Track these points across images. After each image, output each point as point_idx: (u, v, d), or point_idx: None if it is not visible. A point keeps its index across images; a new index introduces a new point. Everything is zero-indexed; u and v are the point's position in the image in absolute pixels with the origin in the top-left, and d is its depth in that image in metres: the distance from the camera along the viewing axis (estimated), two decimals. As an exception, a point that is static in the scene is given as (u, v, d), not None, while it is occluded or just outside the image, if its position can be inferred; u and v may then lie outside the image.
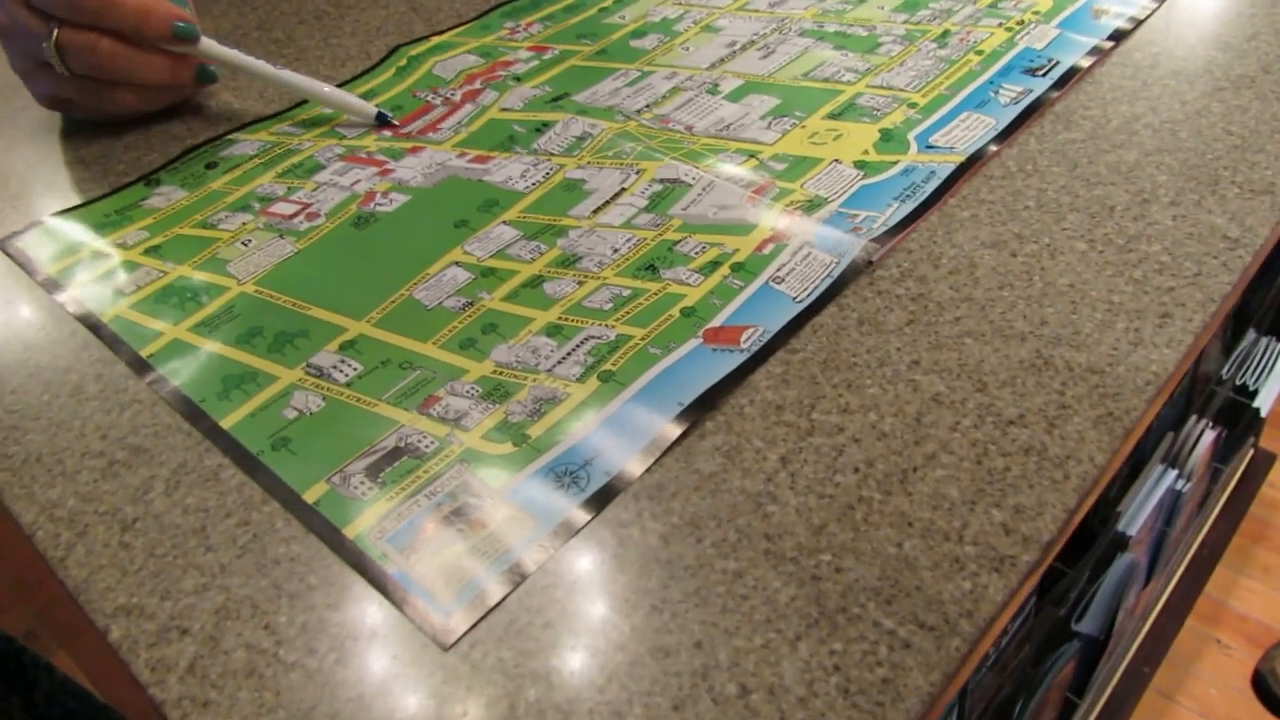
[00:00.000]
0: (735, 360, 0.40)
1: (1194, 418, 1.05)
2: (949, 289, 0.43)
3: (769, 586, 0.32)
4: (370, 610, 0.33)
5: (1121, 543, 0.91)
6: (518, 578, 0.33)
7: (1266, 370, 1.12)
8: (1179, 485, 1.00)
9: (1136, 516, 0.92)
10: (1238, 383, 1.12)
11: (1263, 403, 1.11)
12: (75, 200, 0.54)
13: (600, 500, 0.35)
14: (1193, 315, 0.40)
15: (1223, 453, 1.18)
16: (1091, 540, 0.87)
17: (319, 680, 0.31)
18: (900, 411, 0.38)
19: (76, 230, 0.51)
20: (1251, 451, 1.40)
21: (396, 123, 0.57)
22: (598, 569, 0.33)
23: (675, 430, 0.37)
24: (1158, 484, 0.94)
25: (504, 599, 0.33)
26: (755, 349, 0.41)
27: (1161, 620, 1.23)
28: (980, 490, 0.34)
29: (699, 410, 0.38)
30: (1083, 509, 0.35)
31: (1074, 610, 0.89)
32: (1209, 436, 1.04)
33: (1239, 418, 1.15)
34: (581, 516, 0.35)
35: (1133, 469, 0.94)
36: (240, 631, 0.33)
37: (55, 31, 0.53)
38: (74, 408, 0.42)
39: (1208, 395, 1.09)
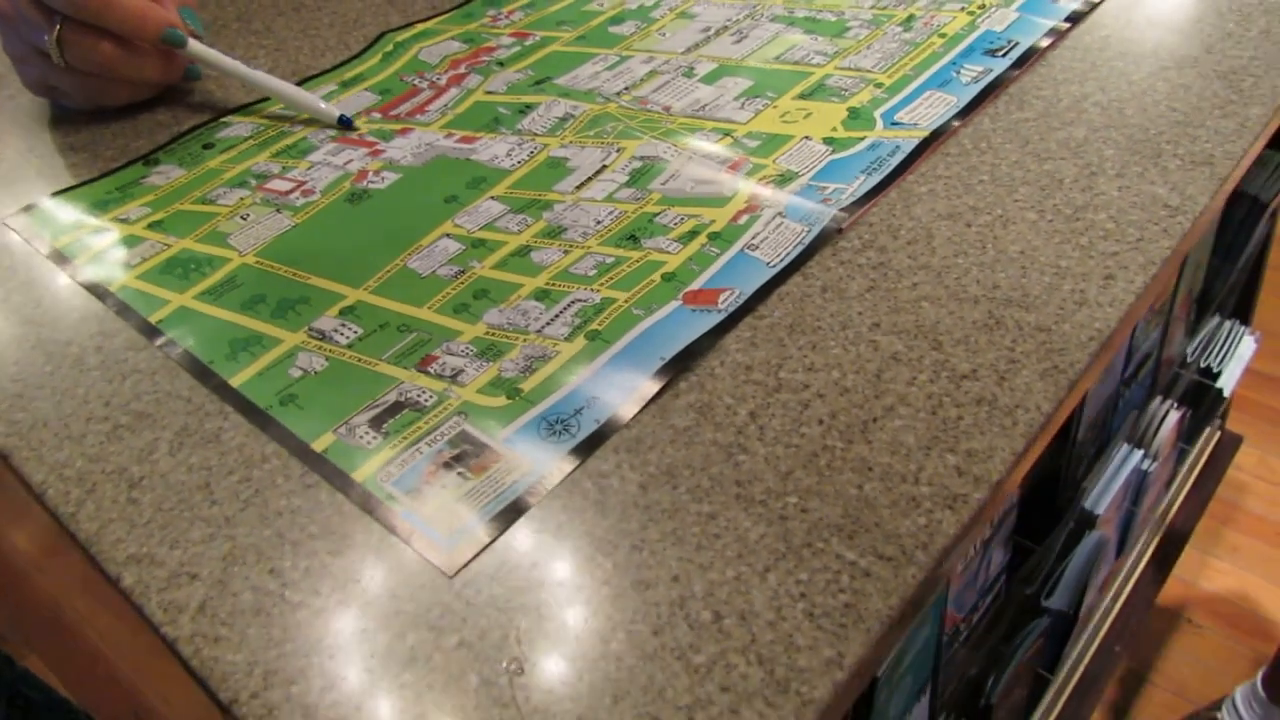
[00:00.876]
0: (713, 319, 0.43)
1: (1159, 398, 1.09)
2: (907, 258, 0.46)
3: (740, 526, 0.35)
4: (369, 552, 0.35)
5: (1089, 520, 0.94)
6: (514, 515, 0.36)
7: (1229, 352, 1.16)
8: (1145, 465, 1.04)
9: (1103, 495, 0.95)
10: (1202, 365, 1.15)
11: (1225, 383, 1.15)
12: (69, 183, 0.56)
13: (590, 445, 0.38)
14: (1134, 277, 0.43)
15: (1188, 433, 1.22)
16: (1058, 517, 0.90)
17: (325, 616, 0.34)
18: (861, 369, 0.40)
19: (78, 207, 0.53)
20: (1218, 434, 1.44)
21: (358, 128, 0.58)
22: (582, 515, 0.36)
23: (658, 382, 0.40)
24: (1124, 463, 0.98)
25: (499, 535, 0.35)
26: (732, 309, 0.43)
27: (1132, 600, 1.26)
28: (935, 437, 0.37)
29: (680, 364, 0.41)
30: (1031, 454, 0.38)
31: (1044, 587, 0.92)
32: (1174, 417, 1.07)
33: (1203, 398, 1.19)
34: (573, 460, 0.38)
35: (1099, 449, 0.97)
36: (247, 575, 0.35)
37: (58, 26, 0.55)
38: (76, 376, 0.44)
39: (1173, 377, 1.12)
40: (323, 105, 0.59)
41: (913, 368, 0.40)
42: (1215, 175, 0.49)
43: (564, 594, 0.33)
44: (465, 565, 0.34)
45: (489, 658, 0.32)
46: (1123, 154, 0.51)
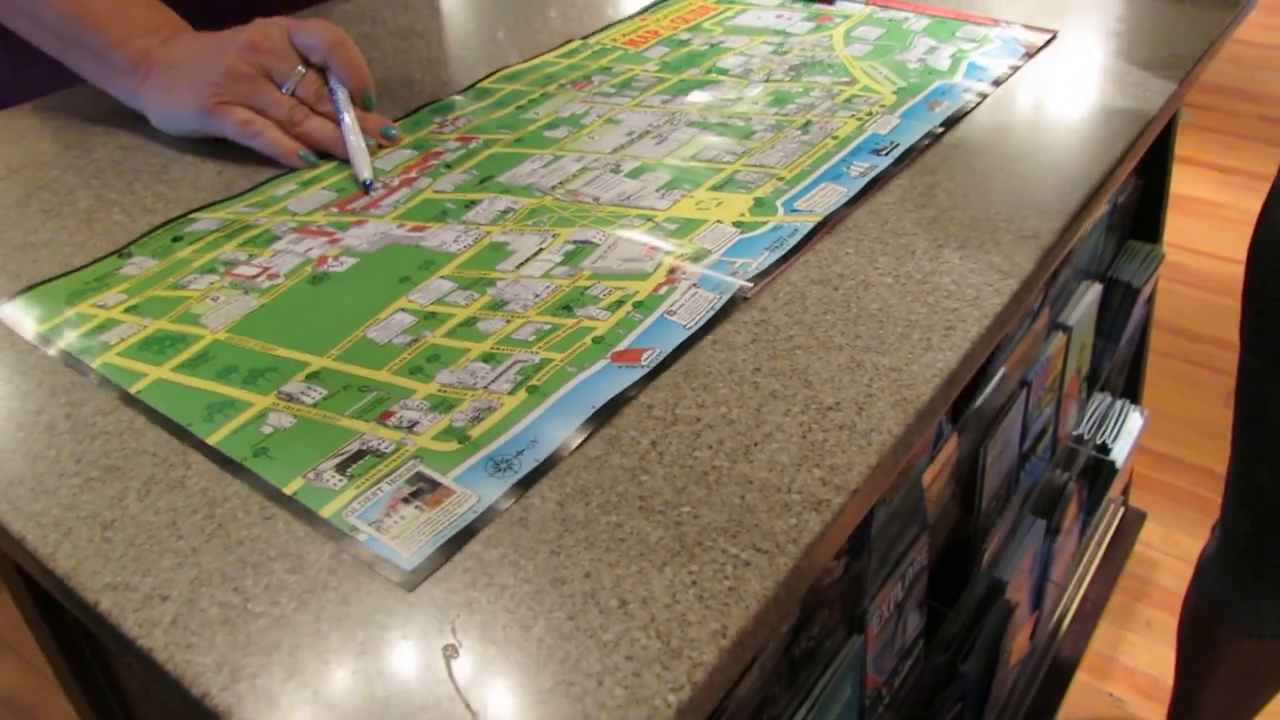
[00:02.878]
0: (637, 373, 0.49)
1: (1058, 471, 1.17)
2: (785, 316, 0.54)
3: (641, 531, 0.42)
4: (321, 569, 0.41)
5: (999, 587, 1.01)
6: (466, 538, 0.41)
7: (1120, 428, 1.26)
8: (1049, 536, 1.11)
9: (1010, 562, 1.02)
10: (1098, 442, 1.24)
11: (1117, 456, 1.24)
12: (33, 279, 0.60)
13: (529, 481, 0.44)
14: (971, 327, 0.53)
15: (1088, 505, 1.30)
16: (966, 579, 0.97)
17: (283, 623, 0.39)
18: (744, 404, 0.48)
19: (58, 297, 0.58)
20: (1122, 510, 1.52)
21: (376, 189, 0.67)
22: (510, 530, 0.42)
23: (589, 427, 0.46)
24: (1029, 532, 1.05)
25: (451, 556, 0.41)
26: (653, 365, 0.50)
27: (1052, 674, 1.32)
28: (805, 456, 0.45)
29: (609, 411, 0.47)
30: (884, 469, 0.46)
31: (959, 652, 0.98)
32: (1072, 487, 1.16)
33: (1099, 472, 1.28)
34: (515, 493, 0.43)
35: (1012, 524, 1.04)
36: (213, 594, 0.40)
37: (304, 70, 0.72)
38: (49, 440, 0.48)
39: (1070, 453, 1.21)
40: (367, 163, 0.69)
41: (787, 402, 0.48)
42: (1040, 246, 0.59)
43: (493, 593, 0.39)
44: (421, 581, 0.40)
45: (428, 647, 0.38)
46: (965, 230, 0.61)
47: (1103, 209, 0.98)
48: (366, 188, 0.68)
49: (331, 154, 0.72)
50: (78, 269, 0.61)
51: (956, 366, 0.50)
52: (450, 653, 0.37)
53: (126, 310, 0.57)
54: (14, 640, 1.61)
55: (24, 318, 0.57)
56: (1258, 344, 0.88)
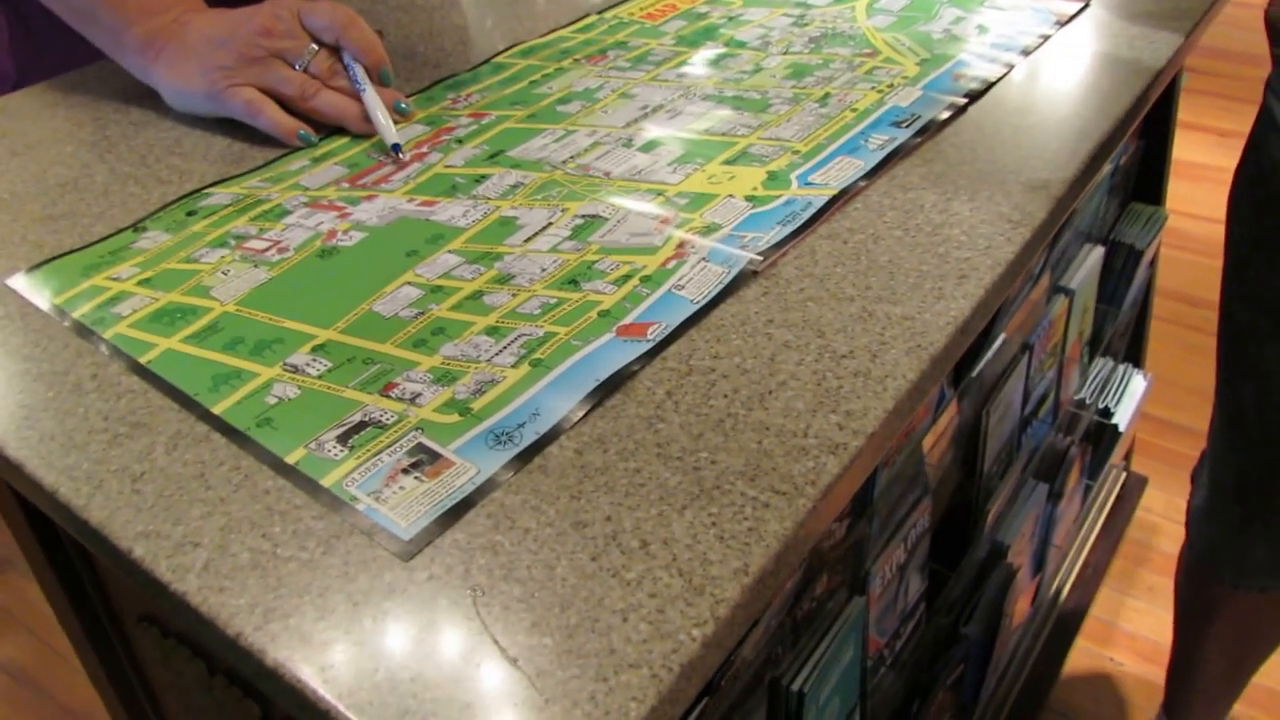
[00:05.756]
0: (642, 348, 0.49)
1: (1060, 435, 1.16)
2: (795, 270, 0.54)
3: (660, 476, 0.42)
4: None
5: (1000, 550, 1.00)
6: (465, 509, 0.41)
7: (1122, 391, 1.25)
8: (1051, 500, 1.11)
9: (1012, 526, 1.01)
10: (1100, 406, 1.23)
11: (1120, 419, 1.24)
12: (55, 251, 0.61)
13: (530, 453, 0.44)
14: (984, 275, 0.53)
15: (1090, 468, 1.29)
16: (968, 543, 0.96)
17: (312, 566, 0.40)
18: (758, 354, 0.49)
19: (74, 269, 0.59)
20: (1124, 475, 1.51)
21: (405, 155, 0.68)
22: (528, 476, 0.43)
23: (591, 400, 0.46)
24: (1031, 496, 1.05)
25: (457, 520, 0.41)
26: (659, 339, 0.49)
27: (1053, 638, 1.32)
28: (820, 402, 0.46)
29: (611, 386, 0.47)
30: (900, 413, 0.46)
31: (961, 614, 0.98)
32: (1074, 452, 1.15)
33: (1101, 436, 1.27)
34: (515, 465, 0.43)
35: (1015, 488, 1.03)
36: (243, 540, 0.41)
37: (318, 48, 0.72)
38: (76, 399, 0.49)
39: (1072, 418, 1.20)
40: (393, 131, 0.70)
41: (801, 351, 0.49)
42: (1050, 196, 0.59)
43: (515, 536, 0.40)
44: (418, 552, 0.40)
45: (455, 585, 0.38)
46: (974, 183, 0.61)
47: (1106, 168, 0.96)
48: (397, 151, 0.68)
49: (344, 129, 0.72)
50: (94, 242, 0.61)
51: (970, 314, 0.50)
52: (477, 592, 0.38)
53: (139, 283, 0.57)
54: (23, 615, 1.65)
55: (42, 289, 0.57)
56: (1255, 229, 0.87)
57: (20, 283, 0.58)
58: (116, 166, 0.69)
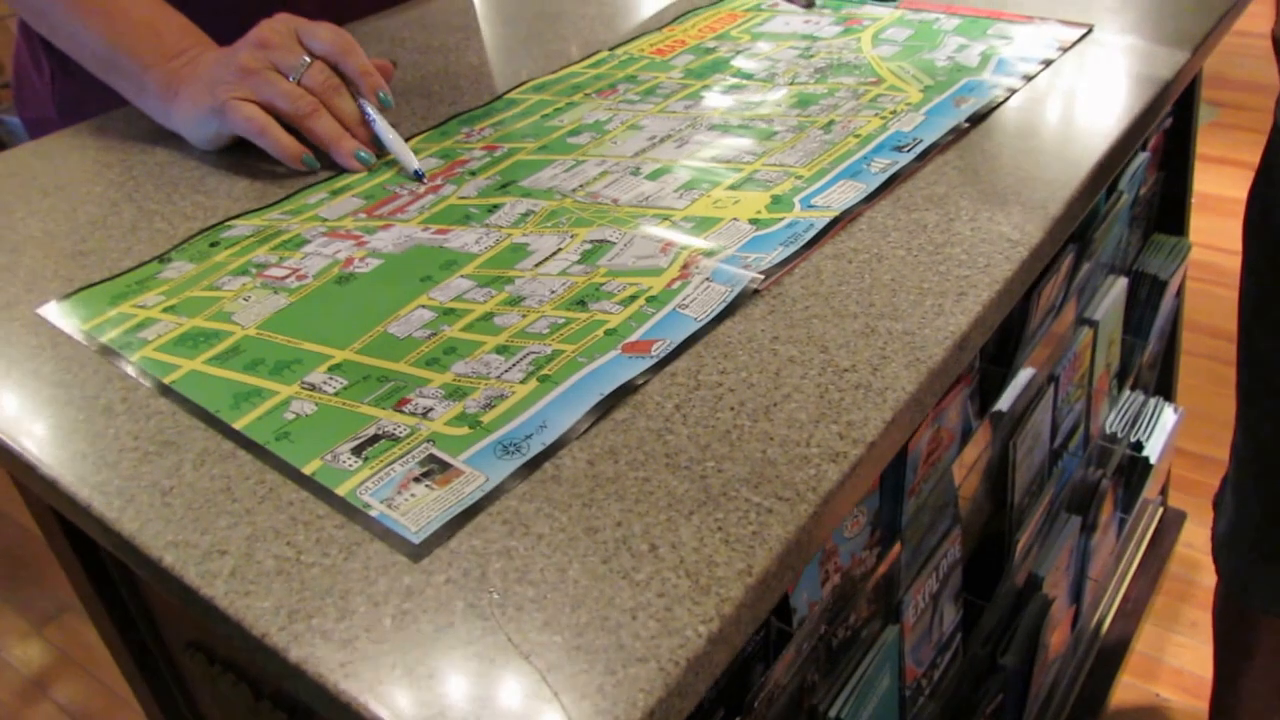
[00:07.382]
0: (646, 364, 0.51)
1: (1091, 468, 1.16)
2: (801, 288, 0.56)
3: (668, 484, 0.44)
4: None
5: (1035, 582, 1.00)
6: (474, 513, 0.43)
7: (1153, 425, 1.25)
8: (1085, 532, 1.10)
9: (1047, 557, 1.01)
10: (1132, 440, 1.23)
11: (1151, 452, 1.23)
12: (85, 281, 0.63)
13: (536, 462, 0.46)
14: (982, 292, 0.54)
15: (1124, 502, 1.29)
16: (1000, 576, 0.96)
17: (333, 573, 0.42)
18: (763, 369, 0.50)
19: (103, 298, 0.61)
20: (1161, 510, 1.51)
21: (425, 178, 0.71)
22: (543, 485, 0.45)
23: (595, 414, 0.48)
24: (1065, 528, 1.05)
25: (466, 524, 0.43)
26: (663, 355, 0.51)
27: (1096, 671, 1.31)
28: (823, 414, 0.47)
29: (615, 400, 0.49)
30: (899, 424, 0.47)
31: (998, 645, 0.98)
32: (1106, 485, 1.15)
33: (1134, 470, 1.27)
34: (523, 474, 0.45)
35: (1049, 521, 1.04)
36: (268, 548, 0.43)
37: (311, 60, 0.74)
38: (107, 420, 0.51)
39: (1103, 451, 1.20)
40: (412, 158, 0.72)
41: (804, 366, 0.50)
42: (1048, 216, 0.61)
43: (529, 542, 0.42)
44: (427, 554, 0.42)
45: (471, 588, 0.40)
46: (975, 203, 0.63)
47: (1125, 198, 0.97)
48: (419, 177, 0.71)
49: (330, 156, 0.74)
50: (121, 273, 0.64)
51: (968, 329, 0.52)
52: (494, 595, 0.40)
53: (164, 310, 0.59)
54: (82, 658, 1.67)
55: (72, 316, 0.60)
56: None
57: (51, 311, 0.61)
58: (143, 204, 0.72)
